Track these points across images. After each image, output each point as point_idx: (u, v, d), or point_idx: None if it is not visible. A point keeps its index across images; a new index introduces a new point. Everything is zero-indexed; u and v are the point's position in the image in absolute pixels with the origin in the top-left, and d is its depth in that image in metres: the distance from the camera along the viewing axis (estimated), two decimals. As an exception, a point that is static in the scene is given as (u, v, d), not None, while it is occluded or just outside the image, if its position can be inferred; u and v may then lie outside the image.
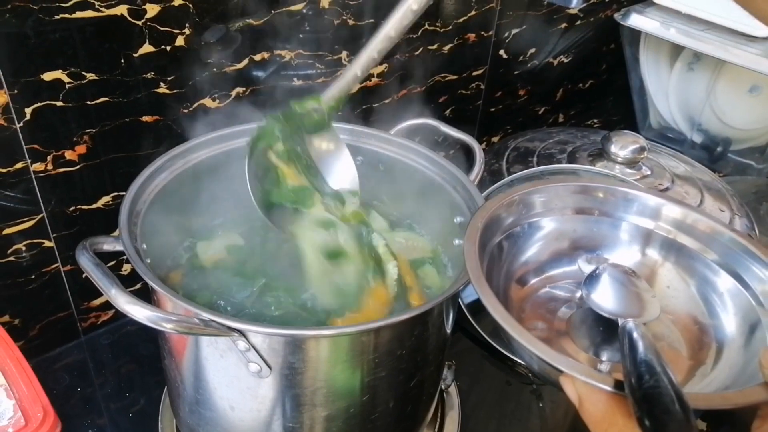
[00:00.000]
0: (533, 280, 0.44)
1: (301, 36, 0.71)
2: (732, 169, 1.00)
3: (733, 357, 0.38)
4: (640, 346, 0.32)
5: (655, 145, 0.83)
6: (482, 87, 0.96)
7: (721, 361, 0.38)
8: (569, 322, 0.41)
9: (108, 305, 0.71)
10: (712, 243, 0.43)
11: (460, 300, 0.75)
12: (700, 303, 0.42)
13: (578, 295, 0.42)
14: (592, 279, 0.39)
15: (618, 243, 0.45)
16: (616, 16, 0.93)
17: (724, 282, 0.42)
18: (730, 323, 0.40)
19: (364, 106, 0.81)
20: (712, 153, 0.99)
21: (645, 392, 0.27)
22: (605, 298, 0.38)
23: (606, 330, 0.37)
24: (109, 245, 0.47)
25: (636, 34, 0.98)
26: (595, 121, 1.21)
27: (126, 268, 0.70)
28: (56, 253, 0.64)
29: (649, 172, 0.74)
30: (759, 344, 0.37)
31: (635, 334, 0.33)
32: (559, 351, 0.33)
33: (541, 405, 0.68)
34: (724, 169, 1.00)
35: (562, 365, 0.30)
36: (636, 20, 0.90)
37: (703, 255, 0.43)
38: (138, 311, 0.40)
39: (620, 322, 0.35)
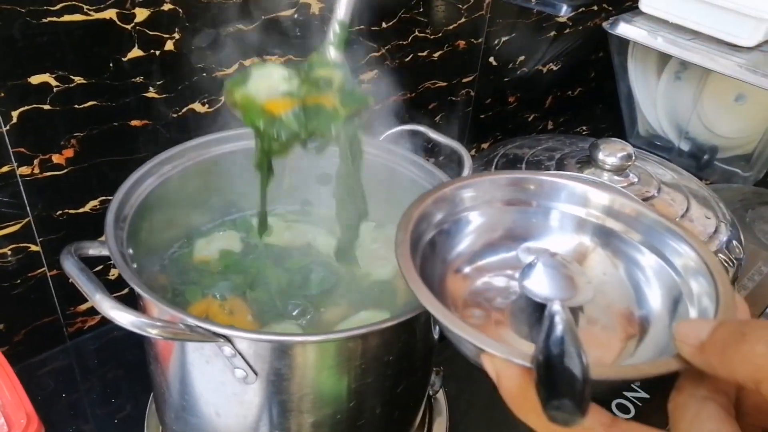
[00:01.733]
0: (469, 272, 0.45)
1: (291, 41, 0.71)
2: (718, 177, 1.01)
3: (659, 334, 0.39)
4: (558, 325, 0.32)
5: (642, 152, 0.83)
6: (472, 94, 0.97)
7: (647, 339, 0.39)
8: (507, 311, 0.42)
9: (94, 311, 0.70)
10: (637, 225, 0.44)
11: (448, 306, 0.76)
12: (629, 284, 0.43)
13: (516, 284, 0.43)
14: (527, 268, 0.40)
15: (552, 231, 0.46)
16: (605, 24, 0.93)
17: (648, 260, 0.43)
18: (655, 300, 0.41)
19: (354, 111, 0.81)
20: (699, 161, 1.00)
21: (547, 363, 0.28)
22: (539, 284, 0.39)
23: (542, 316, 0.38)
24: (94, 250, 0.47)
25: (624, 43, 0.99)
26: (584, 128, 1.22)
27: (114, 273, 0.69)
28: (42, 257, 0.64)
29: (636, 180, 0.74)
30: (682, 318, 0.38)
31: (557, 316, 0.34)
32: (496, 338, 0.33)
33: (528, 411, 0.68)
34: (711, 177, 1.01)
35: (480, 343, 0.31)
36: (624, 29, 0.91)
37: (629, 237, 0.44)
38: (122, 317, 0.40)
39: (548, 305, 0.36)
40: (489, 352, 0.30)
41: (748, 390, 0.28)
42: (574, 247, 0.46)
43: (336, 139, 0.50)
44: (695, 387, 0.28)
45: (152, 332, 0.40)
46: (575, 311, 0.39)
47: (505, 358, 0.30)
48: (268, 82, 0.49)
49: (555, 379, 0.27)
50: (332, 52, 0.51)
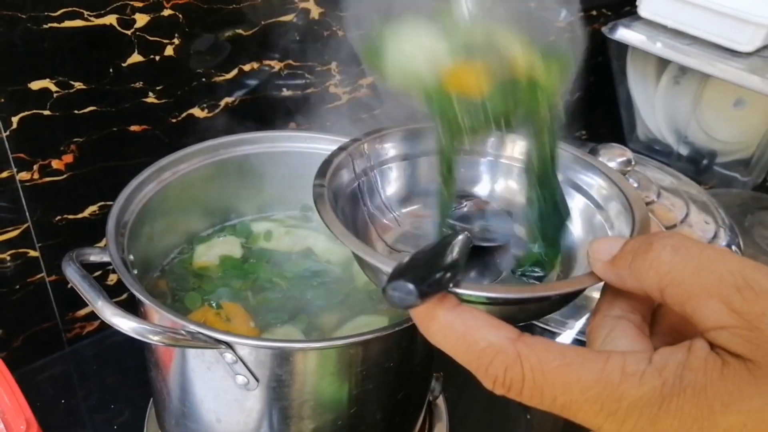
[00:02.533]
0: (397, 216, 0.44)
1: (290, 46, 0.71)
2: (717, 182, 1.01)
3: (582, 265, 0.39)
4: (449, 242, 0.31)
5: (642, 157, 0.84)
6: (471, 98, 0.97)
7: (573, 271, 0.39)
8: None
9: (93, 316, 0.70)
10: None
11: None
12: None
13: None
14: (456, 211, 0.40)
15: (479, 178, 0.46)
16: (604, 29, 0.94)
17: (568, 196, 0.43)
18: (578, 232, 0.42)
19: (353, 116, 0.81)
20: (698, 165, 1.00)
21: (409, 260, 0.27)
22: (462, 221, 0.40)
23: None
24: (96, 256, 0.47)
25: (623, 48, 0.99)
26: (583, 133, 1.22)
27: (112, 279, 0.69)
28: (41, 263, 0.64)
29: (636, 185, 0.74)
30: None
31: (457, 236, 0.33)
32: None
33: (528, 417, 0.68)
34: (710, 182, 1.01)
35: (381, 264, 0.30)
36: (623, 34, 0.91)
37: None
38: (124, 323, 0.40)
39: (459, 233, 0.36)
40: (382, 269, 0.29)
41: (662, 308, 0.28)
42: (501, 191, 0.46)
43: (542, 118, 0.39)
44: (609, 308, 0.29)
45: (154, 339, 0.40)
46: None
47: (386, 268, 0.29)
48: (421, 44, 0.38)
49: (401, 268, 0.27)
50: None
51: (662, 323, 0.29)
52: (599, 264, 0.29)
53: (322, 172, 0.40)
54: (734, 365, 0.23)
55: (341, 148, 0.43)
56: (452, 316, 0.27)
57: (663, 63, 0.98)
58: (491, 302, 0.30)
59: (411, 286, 0.25)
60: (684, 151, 1.03)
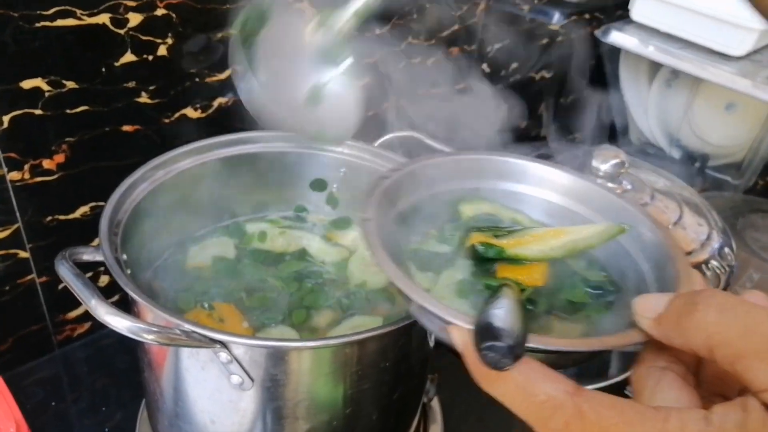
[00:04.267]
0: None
1: (285, 47, 0.71)
2: (709, 185, 1.02)
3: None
4: (504, 297, 0.32)
5: (635, 160, 0.84)
6: (465, 101, 0.97)
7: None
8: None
9: (84, 318, 0.69)
10: (599, 208, 0.45)
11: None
12: None
13: None
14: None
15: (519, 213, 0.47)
16: (597, 33, 0.94)
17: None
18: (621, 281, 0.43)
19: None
20: (691, 169, 1.01)
21: (486, 320, 0.29)
22: None
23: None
24: (89, 255, 0.47)
25: (616, 51, 1.00)
26: (576, 136, 1.22)
27: (104, 280, 0.68)
28: (32, 264, 0.63)
29: (629, 187, 0.75)
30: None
31: (505, 289, 0.34)
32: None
33: (523, 418, 0.68)
34: (702, 185, 1.02)
35: (447, 315, 0.31)
36: (616, 37, 0.92)
37: (592, 220, 0.45)
38: (119, 322, 0.39)
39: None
40: (455, 324, 0.31)
41: (705, 359, 0.29)
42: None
43: None
44: (655, 358, 0.29)
45: (148, 338, 0.39)
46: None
47: (466, 327, 0.30)
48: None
49: (490, 329, 0.28)
50: (347, 18, 0.48)
51: (706, 371, 0.30)
52: (645, 321, 0.29)
53: (369, 202, 0.41)
54: None
55: (387, 174, 0.43)
56: (512, 369, 0.28)
57: (655, 66, 0.99)
58: (549, 353, 0.31)
59: (507, 349, 0.27)
60: (676, 154, 1.04)
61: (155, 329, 0.39)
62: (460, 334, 0.30)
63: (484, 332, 0.28)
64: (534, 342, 0.30)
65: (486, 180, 0.47)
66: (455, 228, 0.45)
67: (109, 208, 0.49)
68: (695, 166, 1.01)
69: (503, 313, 0.29)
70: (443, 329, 0.32)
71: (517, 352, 0.27)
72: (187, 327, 0.40)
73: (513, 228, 0.45)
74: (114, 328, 0.39)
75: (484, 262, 0.42)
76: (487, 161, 0.47)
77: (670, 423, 0.25)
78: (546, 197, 0.47)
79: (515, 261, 0.42)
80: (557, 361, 0.30)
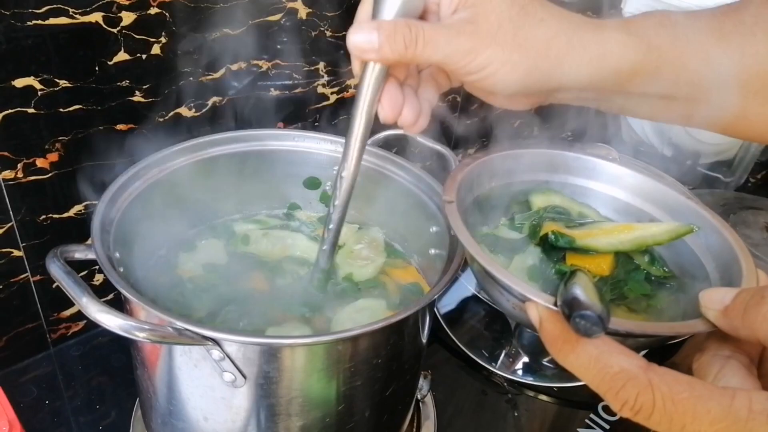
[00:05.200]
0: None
1: (278, 46, 0.71)
2: (701, 182, 1.03)
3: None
4: (581, 277, 0.35)
5: (627, 157, 0.84)
6: (458, 100, 0.97)
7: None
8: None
9: (79, 316, 0.69)
10: (666, 207, 0.48)
11: (436, 310, 0.76)
12: None
13: None
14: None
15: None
16: (589, 31, 0.94)
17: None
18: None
19: (342, 116, 0.81)
20: (682, 166, 1.01)
21: (574, 296, 0.31)
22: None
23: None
24: (80, 253, 0.47)
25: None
26: (569, 134, 1.23)
27: (98, 279, 0.69)
28: (26, 262, 0.63)
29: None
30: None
31: (579, 272, 0.36)
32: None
33: (516, 414, 0.69)
34: (694, 183, 1.03)
35: (526, 292, 0.34)
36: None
37: (659, 218, 0.48)
38: (110, 320, 0.39)
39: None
40: (534, 301, 0.33)
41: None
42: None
43: None
44: (719, 347, 0.31)
45: (140, 335, 0.39)
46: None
47: (547, 306, 0.32)
48: None
49: (577, 301, 0.30)
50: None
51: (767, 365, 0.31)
52: (711, 313, 0.31)
53: (450, 186, 0.44)
54: None
55: (467, 162, 0.47)
56: (586, 341, 0.30)
57: (647, 65, 0.99)
58: (619, 334, 0.34)
59: (597, 318, 0.29)
60: (668, 152, 1.04)
61: (147, 327, 0.39)
62: (536, 310, 0.32)
63: (573, 304, 0.30)
64: (616, 324, 0.32)
65: (557, 174, 0.50)
66: (526, 217, 0.48)
67: (101, 206, 0.49)
68: (687, 164, 1.01)
69: (586, 290, 0.31)
70: (517, 306, 0.34)
71: (605, 322, 0.29)
72: (179, 325, 0.40)
73: (584, 221, 0.47)
74: (105, 326, 0.39)
75: (554, 250, 0.45)
76: (560, 156, 0.49)
77: (737, 400, 0.26)
78: (614, 194, 0.49)
79: (584, 251, 0.45)
80: (624, 343, 0.31)
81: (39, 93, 0.57)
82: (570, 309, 0.29)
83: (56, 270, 0.43)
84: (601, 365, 0.29)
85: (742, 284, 0.38)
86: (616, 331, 0.33)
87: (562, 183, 0.50)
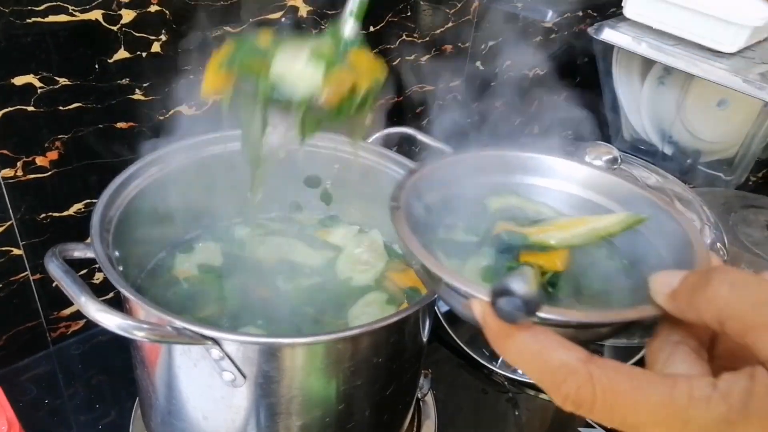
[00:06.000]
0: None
1: (278, 44, 0.70)
2: (701, 181, 1.02)
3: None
4: (525, 270, 0.34)
5: (627, 156, 0.84)
6: (459, 98, 0.97)
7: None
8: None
9: (78, 315, 0.69)
10: (615, 197, 0.47)
11: (436, 309, 0.76)
12: None
13: None
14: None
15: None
16: (590, 30, 0.94)
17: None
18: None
19: (342, 115, 0.81)
20: (683, 165, 1.01)
21: (503, 284, 0.30)
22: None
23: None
24: (80, 252, 0.47)
25: (609, 48, 1.00)
26: (569, 132, 1.22)
27: (98, 278, 0.68)
28: (25, 261, 0.63)
29: (621, 182, 0.75)
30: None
31: (524, 267, 0.36)
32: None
33: (517, 413, 0.68)
34: (694, 181, 1.02)
35: (469, 289, 0.33)
36: (609, 35, 0.92)
37: (610, 208, 0.47)
38: (109, 319, 0.39)
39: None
40: (476, 297, 0.32)
41: (719, 334, 0.30)
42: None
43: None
44: (669, 333, 0.30)
45: (139, 335, 0.39)
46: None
47: (486, 300, 0.31)
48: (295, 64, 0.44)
49: (506, 289, 0.29)
50: (350, 25, 0.47)
51: (719, 347, 0.31)
52: (660, 296, 0.31)
53: (396, 195, 0.42)
54: None
55: (412, 172, 0.45)
56: (527, 335, 0.29)
57: (648, 63, 0.99)
58: (562, 325, 0.33)
59: (521, 303, 0.28)
60: (669, 150, 1.04)
61: (146, 326, 0.39)
62: (480, 306, 0.32)
63: (499, 291, 0.29)
64: (550, 313, 0.31)
65: (512, 175, 0.49)
66: (482, 220, 0.47)
67: (101, 204, 0.49)
68: (687, 163, 1.01)
69: (518, 279, 0.30)
70: (466, 306, 0.33)
71: (530, 307, 0.28)
72: (179, 324, 0.40)
73: (537, 218, 0.47)
74: (104, 326, 0.39)
75: (509, 249, 0.44)
76: (514, 157, 0.49)
77: (678, 388, 0.26)
78: (569, 190, 0.49)
79: (538, 248, 0.44)
80: (575, 337, 0.31)
81: (39, 91, 0.56)
82: (495, 296, 0.29)
83: (55, 269, 0.42)
84: (543, 359, 0.28)
85: (695, 267, 0.36)
86: (566, 323, 0.32)
87: (518, 183, 0.49)
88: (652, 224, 0.44)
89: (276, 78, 0.44)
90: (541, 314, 0.30)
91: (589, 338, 0.31)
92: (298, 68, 0.44)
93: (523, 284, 0.29)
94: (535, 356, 0.29)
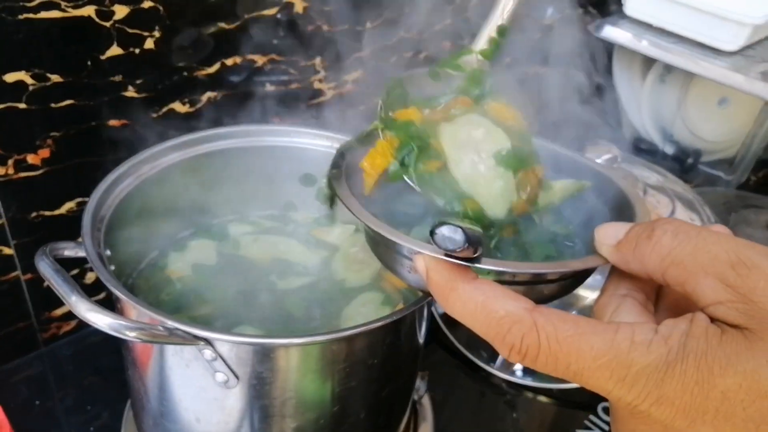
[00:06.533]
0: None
1: (274, 41, 0.70)
2: (702, 180, 1.02)
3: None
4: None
5: (627, 155, 0.84)
6: (457, 96, 0.96)
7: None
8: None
9: (70, 315, 0.68)
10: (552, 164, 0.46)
11: (433, 310, 0.75)
12: None
13: None
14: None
15: None
16: (590, 28, 0.94)
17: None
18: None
19: (338, 112, 0.80)
20: (683, 164, 1.00)
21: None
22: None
23: None
24: (70, 251, 0.46)
25: (609, 46, 0.99)
26: (568, 131, 1.22)
27: (90, 277, 0.68)
28: (16, 260, 0.62)
29: (621, 182, 0.74)
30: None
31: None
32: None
33: (515, 416, 0.68)
34: (695, 180, 1.02)
35: (412, 245, 0.32)
36: (609, 32, 0.91)
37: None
38: (99, 319, 0.38)
39: None
40: (420, 252, 0.32)
41: (663, 287, 0.31)
42: None
43: None
44: (616, 287, 0.31)
45: (130, 335, 0.38)
46: None
47: (431, 255, 0.31)
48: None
49: (448, 229, 0.29)
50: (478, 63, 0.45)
51: (665, 300, 0.31)
52: (605, 248, 0.31)
53: (335, 162, 0.41)
54: (731, 333, 0.25)
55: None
56: (471, 287, 0.29)
57: (648, 61, 0.99)
58: (509, 279, 0.33)
59: (458, 228, 0.28)
60: (669, 149, 1.03)
61: (137, 326, 0.38)
62: (423, 261, 0.31)
63: (440, 224, 0.29)
64: (494, 265, 0.31)
65: None
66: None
67: (92, 202, 0.48)
68: (688, 162, 1.00)
69: (460, 223, 0.30)
70: (412, 268, 0.33)
71: (470, 237, 0.28)
72: (171, 324, 0.39)
73: None
74: (94, 325, 0.38)
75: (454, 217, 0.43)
76: None
77: (620, 333, 0.26)
78: None
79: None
80: (526, 294, 0.30)
81: (30, 88, 0.56)
82: (438, 235, 0.29)
83: (45, 267, 0.42)
84: (487, 311, 0.28)
85: (636, 219, 0.37)
86: (511, 275, 0.33)
87: None
88: (598, 192, 0.43)
89: (457, 186, 0.38)
90: (486, 266, 0.30)
91: (535, 297, 0.30)
92: (484, 174, 0.38)
93: (463, 223, 0.29)
94: (480, 307, 0.29)
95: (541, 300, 0.36)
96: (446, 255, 0.30)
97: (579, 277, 0.36)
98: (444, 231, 0.28)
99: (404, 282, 0.38)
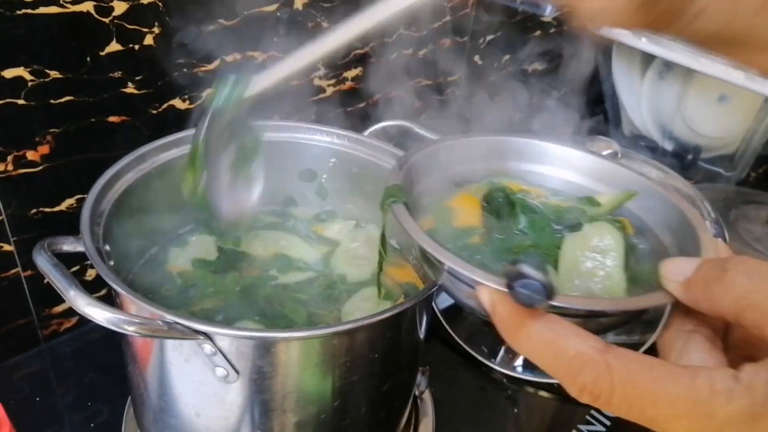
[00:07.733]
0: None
1: (274, 38, 0.70)
2: (702, 177, 1.02)
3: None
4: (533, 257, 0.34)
5: (628, 151, 0.83)
6: (457, 92, 0.96)
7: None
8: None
9: (71, 312, 0.68)
10: (616, 185, 0.46)
11: (434, 305, 0.75)
12: None
13: None
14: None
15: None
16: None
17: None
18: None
19: (338, 109, 0.80)
20: (683, 160, 1.00)
21: (519, 270, 0.29)
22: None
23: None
24: (69, 245, 0.46)
25: (609, 43, 0.99)
26: (569, 127, 1.22)
27: (90, 273, 0.68)
28: (16, 257, 0.62)
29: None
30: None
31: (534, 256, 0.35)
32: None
33: (516, 411, 0.68)
34: (695, 177, 1.02)
35: (476, 276, 0.32)
36: (608, 29, 0.91)
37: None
38: (98, 313, 0.38)
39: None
40: (484, 284, 0.31)
41: (733, 322, 0.29)
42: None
43: None
44: (682, 322, 0.30)
45: (129, 329, 0.38)
46: None
47: (498, 288, 0.30)
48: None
49: (522, 273, 0.28)
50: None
51: (734, 335, 0.30)
52: (672, 285, 0.30)
53: (395, 176, 0.41)
54: None
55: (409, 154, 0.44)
56: (540, 324, 0.28)
57: (648, 58, 0.99)
58: (572, 314, 0.32)
59: (540, 286, 0.27)
60: (669, 146, 1.03)
61: (136, 320, 0.38)
62: (488, 294, 0.30)
63: (515, 275, 0.28)
64: (562, 301, 0.30)
65: (508, 161, 0.48)
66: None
67: (91, 197, 0.48)
68: (688, 158, 1.00)
69: (532, 263, 0.29)
70: (471, 295, 0.32)
71: (548, 290, 0.27)
72: (170, 318, 0.39)
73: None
74: (93, 320, 0.38)
75: None
76: (509, 143, 0.48)
77: (699, 380, 0.25)
78: (565, 177, 0.48)
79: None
80: (585, 327, 0.30)
81: (29, 84, 0.56)
82: (512, 280, 0.28)
83: (43, 262, 0.42)
84: (557, 349, 0.27)
85: (701, 254, 0.36)
86: (575, 311, 0.32)
87: (515, 169, 0.48)
88: (653, 212, 0.43)
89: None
90: (556, 302, 0.29)
91: (593, 329, 0.30)
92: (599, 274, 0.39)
93: (538, 268, 0.28)
94: (549, 346, 0.28)
95: (599, 330, 0.36)
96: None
97: (638, 316, 0.35)
98: (522, 288, 0.28)
99: (457, 300, 0.37)
